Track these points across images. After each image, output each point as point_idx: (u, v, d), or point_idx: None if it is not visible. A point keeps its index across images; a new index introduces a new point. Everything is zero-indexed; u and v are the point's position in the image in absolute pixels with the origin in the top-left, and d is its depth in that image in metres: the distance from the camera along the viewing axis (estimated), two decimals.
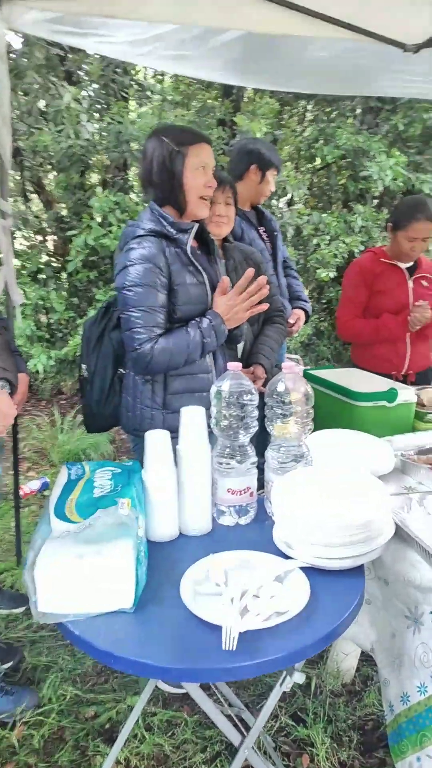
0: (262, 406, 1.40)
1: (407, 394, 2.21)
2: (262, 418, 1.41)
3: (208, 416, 1.38)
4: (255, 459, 1.43)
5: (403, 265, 2.65)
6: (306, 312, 2.96)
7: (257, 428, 1.42)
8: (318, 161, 5.37)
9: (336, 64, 3.03)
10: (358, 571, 1.19)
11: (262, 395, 1.48)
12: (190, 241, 1.82)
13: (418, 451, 1.78)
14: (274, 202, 4.91)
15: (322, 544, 1.16)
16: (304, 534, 1.19)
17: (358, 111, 5.48)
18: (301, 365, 4.46)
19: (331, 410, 2.35)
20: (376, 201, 5.82)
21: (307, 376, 2.50)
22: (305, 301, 2.97)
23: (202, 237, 1.95)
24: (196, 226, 1.86)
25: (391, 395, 2.17)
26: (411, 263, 2.67)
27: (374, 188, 4.99)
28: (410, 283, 2.64)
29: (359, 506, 1.22)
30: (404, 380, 2.67)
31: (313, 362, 5.37)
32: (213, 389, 1.39)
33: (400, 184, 5.04)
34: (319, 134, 5.15)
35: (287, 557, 1.21)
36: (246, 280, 1.79)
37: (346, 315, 2.70)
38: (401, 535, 1.30)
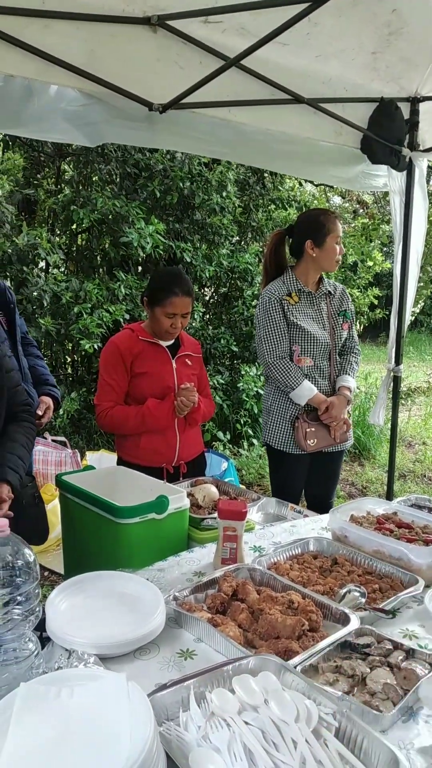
0: None
1: (179, 500, 1.87)
2: None
3: None
4: None
5: (165, 344, 2.36)
6: (55, 399, 2.51)
7: None
8: (75, 225, 5.03)
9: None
10: None
11: None
12: None
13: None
14: (25, 268, 4.40)
15: None
16: None
17: (117, 177, 5.32)
18: (68, 449, 3.95)
19: (92, 528, 1.90)
20: (140, 268, 5.66)
21: (62, 484, 2.02)
22: (53, 386, 2.54)
23: None
24: None
25: (160, 506, 1.80)
26: (172, 341, 2.39)
27: (136, 255, 4.80)
28: (174, 364, 2.35)
29: None
30: (176, 473, 2.34)
31: (86, 440, 4.87)
32: None
33: (161, 252, 4.92)
34: (75, 196, 4.83)
35: None
36: None
37: (106, 402, 2.29)
38: None
